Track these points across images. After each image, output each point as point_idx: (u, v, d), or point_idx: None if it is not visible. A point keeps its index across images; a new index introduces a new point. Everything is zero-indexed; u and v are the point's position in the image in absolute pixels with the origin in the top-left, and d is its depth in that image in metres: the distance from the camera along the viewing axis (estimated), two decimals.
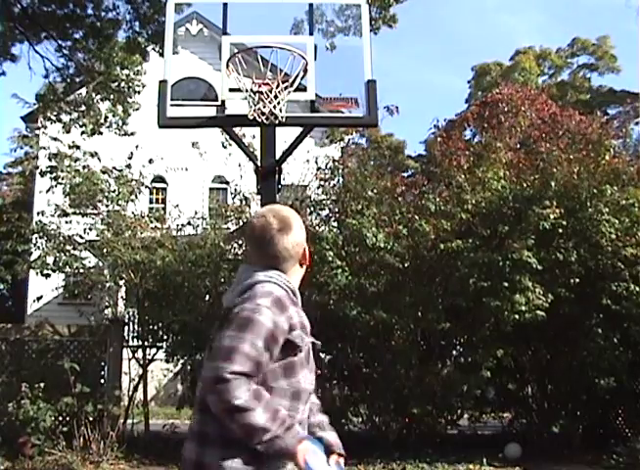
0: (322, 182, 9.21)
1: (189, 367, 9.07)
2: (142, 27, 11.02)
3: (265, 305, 2.00)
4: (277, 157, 4.96)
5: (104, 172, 9.53)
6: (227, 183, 12.71)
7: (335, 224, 9.00)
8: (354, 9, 9.33)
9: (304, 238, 2.19)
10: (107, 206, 9.43)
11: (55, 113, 11.85)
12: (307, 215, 9.14)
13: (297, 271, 2.21)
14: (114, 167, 9.66)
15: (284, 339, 2.02)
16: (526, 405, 9.07)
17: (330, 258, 7.96)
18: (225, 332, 1.97)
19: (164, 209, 14.08)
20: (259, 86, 4.56)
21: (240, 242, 9.19)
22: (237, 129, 5.91)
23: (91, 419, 7.83)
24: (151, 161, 10.01)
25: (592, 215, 8.17)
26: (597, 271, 8.22)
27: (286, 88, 4.58)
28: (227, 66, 4.70)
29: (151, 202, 17.34)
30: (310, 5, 5.53)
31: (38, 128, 14.18)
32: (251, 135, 7.38)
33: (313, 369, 2.19)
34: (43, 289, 10.84)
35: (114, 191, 9.45)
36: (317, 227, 8.92)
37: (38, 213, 10.00)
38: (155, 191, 17.61)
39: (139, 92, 11.79)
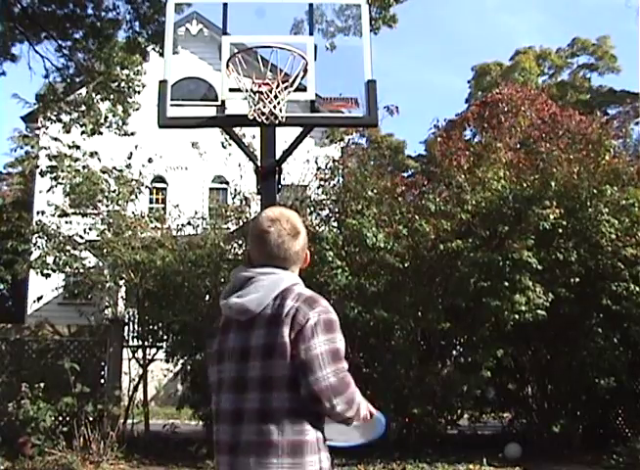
0: (322, 182, 9.20)
1: (189, 367, 9.07)
2: (142, 27, 11.02)
3: (328, 304, 2.14)
4: (277, 157, 4.96)
5: (104, 172, 9.53)
6: (227, 183, 12.73)
7: (335, 224, 8.99)
8: (354, 9, 9.33)
9: (307, 241, 2.32)
10: (107, 206, 9.44)
11: (55, 113, 11.85)
12: (307, 215, 9.14)
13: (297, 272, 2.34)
14: (114, 167, 9.66)
15: None
16: (526, 405, 9.07)
17: (330, 259, 7.96)
18: (316, 337, 2.04)
19: (164, 209, 14.06)
20: (259, 86, 4.56)
21: (240, 242, 9.19)
22: (237, 129, 5.91)
23: (91, 419, 7.84)
24: (150, 160, 10.01)
25: (592, 215, 8.17)
26: (597, 271, 8.22)
27: (286, 88, 4.58)
28: (227, 66, 4.70)
29: (151, 202, 17.34)
30: (310, 5, 5.53)
31: (38, 128, 14.18)
32: (251, 135, 7.38)
33: None
34: (43, 289, 10.84)
35: (114, 191, 9.45)
36: (317, 227, 8.92)
37: (38, 213, 10.01)
38: (155, 191, 17.60)
39: (139, 92, 11.78)
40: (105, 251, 9.14)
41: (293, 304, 2.07)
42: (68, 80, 11.77)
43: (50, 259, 9.20)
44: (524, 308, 7.69)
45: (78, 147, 9.91)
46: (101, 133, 12.02)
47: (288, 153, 4.97)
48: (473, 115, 14.18)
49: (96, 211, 9.45)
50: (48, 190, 9.49)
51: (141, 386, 9.14)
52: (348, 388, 2.14)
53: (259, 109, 4.51)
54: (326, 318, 2.07)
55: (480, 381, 8.00)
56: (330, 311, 2.10)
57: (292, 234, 2.22)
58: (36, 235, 9.47)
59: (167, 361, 9.38)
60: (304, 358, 2.01)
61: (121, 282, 9.60)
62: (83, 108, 11.83)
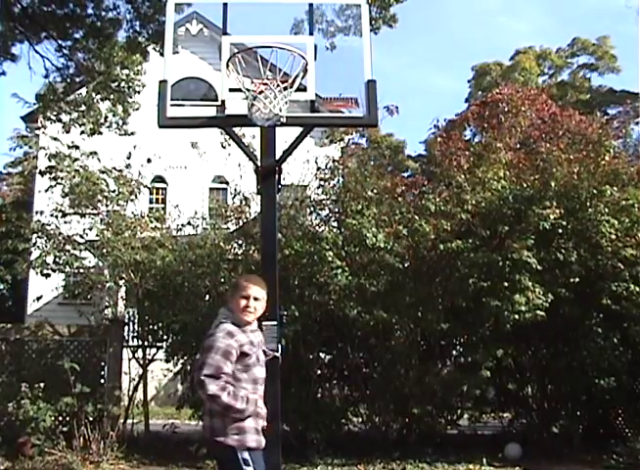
0: (322, 182, 9.20)
1: (189, 367, 9.07)
2: (142, 27, 11.02)
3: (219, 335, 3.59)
4: (277, 157, 4.96)
5: (103, 172, 9.52)
6: (227, 183, 12.72)
7: (335, 224, 8.98)
8: (354, 9, 9.35)
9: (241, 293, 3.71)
10: (106, 206, 9.43)
11: (55, 113, 11.84)
12: (307, 215, 9.14)
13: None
14: (114, 168, 9.66)
15: (237, 351, 3.53)
16: (526, 405, 9.07)
17: (330, 259, 7.96)
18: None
19: (164, 209, 14.08)
20: (259, 86, 4.55)
21: (240, 242, 9.19)
22: (237, 129, 5.90)
23: (91, 419, 7.84)
24: (149, 160, 10.01)
25: (592, 216, 8.17)
26: (597, 271, 8.22)
27: (286, 88, 4.58)
28: (227, 66, 4.70)
29: (151, 202, 17.35)
30: (310, 5, 5.52)
31: (38, 128, 14.18)
32: (251, 135, 7.37)
33: (263, 366, 3.71)
34: (43, 289, 10.84)
35: (113, 191, 9.45)
36: (317, 227, 8.92)
37: (36, 213, 10.01)
38: (155, 191, 17.63)
39: (139, 92, 11.78)
40: (105, 251, 9.13)
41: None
42: (68, 80, 11.76)
43: (50, 259, 9.20)
44: (523, 309, 7.68)
45: (78, 147, 9.91)
46: (101, 133, 12.01)
47: (288, 153, 4.97)
48: (473, 115, 14.16)
49: (96, 212, 9.45)
50: (47, 190, 9.48)
51: (141, 386, 9.14)
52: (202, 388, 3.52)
53: (259, 109, 4.51)
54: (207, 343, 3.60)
55: (480, 381, 7.99)
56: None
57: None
58: (36, 235, 9.47)
59: (167, 361, 9.38)
60: None
61: (121, 282, 9.59)
62: (83, 108, 11.83)
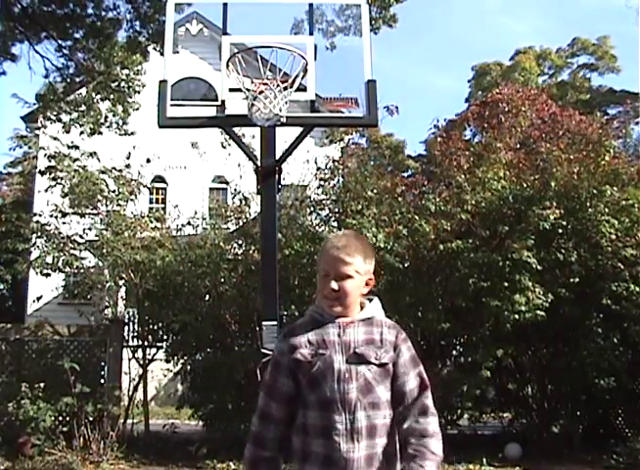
0: (322, 182, 9.20)
1: (189, 367, 9.07)
2: (142, 27, 11.01)
3: None
4: (277, 157, 4.95)
5: (103, 172, 9.53)
6: (227, 183, 12.71)
7: (335, 224, 8.99)
8: (354, 9, 9.33)
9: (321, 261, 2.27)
10: (106, 206, 9.44)
11: (55, 113, 11.84)
12: (307, 215, 9.14)
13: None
14: (114, 167, 9.66)
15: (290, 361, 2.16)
16: (526, 405, 9.07)
17: None
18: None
19: (164, 209, 14.08)
20: (259, 86, 4.55)
21: (240, 242, 9.19)
22: (237, 129, 5.90)
23: (91, 419, 7.84)
24: (148, 160, 10.01)
25: (592, 216, 8.17)
26: (597, 271, 8.22)
27: (286, 88, 4.58)
28: (227, 66, 4.69)
29: (151, 202, 17.34)
30: (310, 5, 5.51)
31: (38, 128, 14.18)
32: (251, 135, 7.36)
33: (350, 379, 2.13)
34: (43, 289, 10.85)
35: (113, 191, 9.45)
36: (317, 227, 8.92)
37: (35, 214, 10.01)
38: (155, 191, 17.62)
39: (139, 92, 11.78)
40: (104, 251, 9.13)
41: None
42: (68, 80, 11.76)
43: (50, 259, 9.20)
44: (523, 309, 7.68)
45: (77, 147, 9.91)
46: (101, 133, 12.01)
47: (288, 153, 4.97)
48: (473, 115, 14.16)
49: (95, 212, 9.45)
50: (46, 190, 9.48)
51: (141, 386, 9.14)
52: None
53: (259, 109, 4.51)
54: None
55: (480, 381, 7.99)
56: None
57: None
58: (36, 235, 9.47)
59: (167, 361, 9.38)
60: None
61: (121, 282, 9.59)
62: (83, 108, 11.83)
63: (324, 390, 2.08)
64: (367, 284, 2.25)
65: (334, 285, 2.14)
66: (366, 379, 2.12)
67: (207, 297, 9.04)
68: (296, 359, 2.11)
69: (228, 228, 9.59)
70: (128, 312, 10.05)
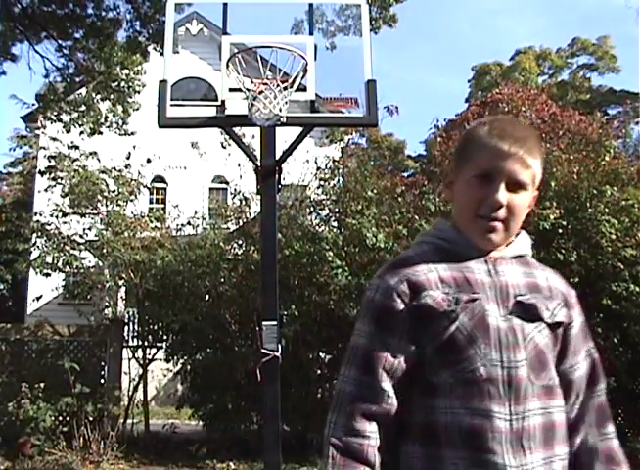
0: (322, 182, 9.20)
1: (189, 367, 9.07)
2: (142, 27, 11.01)
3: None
4: (277, 157, 4.95)
5: (102, 172, 9.53)
6: (227, 183, 12.71)
7: (335, 224, 8.99)
8: (354, 9, 9.33)
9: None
10: (106, 206, 9.44)
11: (55, 113, 11.85)
12: (307, 215, 9.14)
13: None
14: (114, 168, 9.66)
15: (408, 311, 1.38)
16: None
17: (330, 258, 7.96)
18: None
19: (164, 209, 14.07)
20: (259, 86, 4.55)
21: (240, 242, 9.19)
22: (237, 129, 5.90)
23: (91, 419, 7.84)
24: (148, 160, 10.01)
25: (592, 216, 8.17)
26: (597, 271, 8.21)
27: (286, 88, 4.58)
28: (227, 66, 4.70)
29: (151, 202, 17.34)
30: (310, 5, 5.52)
31: (38, 128, 14.18)
32: (251, 135, 7.37)
33: (515, 344, 1.34)
34: (43, 289, 10.84)
35: (113, 191, 9.45)
36: (317, 227, 8.92)
37: (35, 214, 10.02)
38: (155, 191, 17.62)
39: (139, 92, 11.78)
40: (104, 251, 9.14)
41: None
42: (68, 80, 11.76)
43: (50, 259, 9.20)
44: None
45: (77, 147, 9.91)
46: (101, 133, 12.02)
47: (288, 153, 4.97)
48: (473, 115, 14.14)
49: (95, 212, 9.45)
50: (46, 190, 9.49)
51: (141, 386, 9.14)
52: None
53: (259, 109, 4.51)
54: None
55: None
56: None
57: None
58: (36, 235, 9.47)
59: (167, 361, 9.38)
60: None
61: (121, 282, 9.59)
62: (83, 108, 11.83)
63: (473, 362, 1.29)
64: (529, 205, 1.44)
65: (501, 196, 1.34)
66: (537, 346, 1.35)
67: (207, 297, 9.04)
68: (424, 306, 1.31)
69: (228, 228, 9.59)
70: (128, 312, 10.05)
